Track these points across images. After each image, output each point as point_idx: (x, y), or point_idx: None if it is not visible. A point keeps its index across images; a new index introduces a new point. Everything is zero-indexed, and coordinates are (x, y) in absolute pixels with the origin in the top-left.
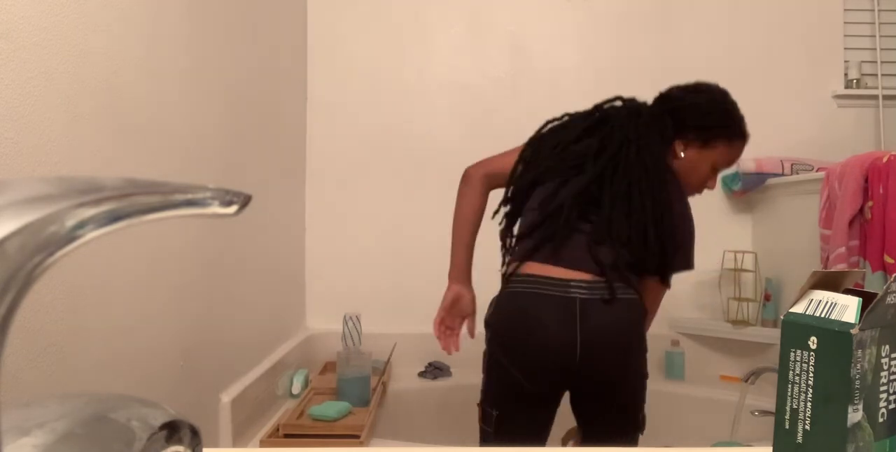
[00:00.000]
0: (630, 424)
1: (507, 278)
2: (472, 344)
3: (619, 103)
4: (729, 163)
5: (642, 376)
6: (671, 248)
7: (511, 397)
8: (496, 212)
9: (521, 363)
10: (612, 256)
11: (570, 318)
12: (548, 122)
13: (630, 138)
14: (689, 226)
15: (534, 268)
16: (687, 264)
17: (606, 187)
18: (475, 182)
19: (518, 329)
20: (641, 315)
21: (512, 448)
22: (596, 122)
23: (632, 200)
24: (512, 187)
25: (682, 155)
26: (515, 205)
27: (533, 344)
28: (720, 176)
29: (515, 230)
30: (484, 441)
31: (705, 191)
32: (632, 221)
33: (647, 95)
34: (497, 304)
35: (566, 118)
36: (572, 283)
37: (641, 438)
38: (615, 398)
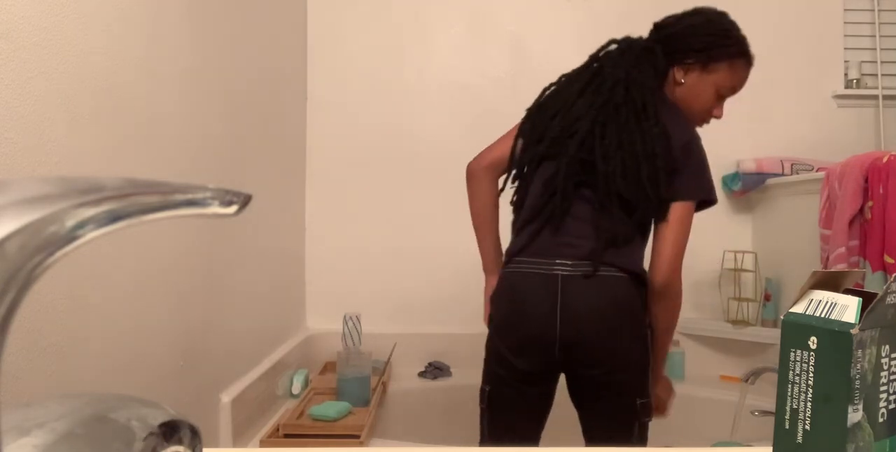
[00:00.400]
0: (626, 411)
1: (508, 258)
2: (471, 345)
3: (613, 47)
4: (733, 88)
5: (637, 358)
6: (668, 175)
7: (500, 373)
8: (502, 189)
9: (507, 338)
10: (609, 229)
11: (551, 295)
12: (545, 89)
13: (620, 79)
14: (697, 155)
15: (529, 250)
16: (702, 190)
17: (598, 146)
18: (480, 175)
19: (504, 306)
20: (632, 292)
21: (511, 448)
22: (592, 76)
23: (624, 146)
24: (515, 167)
25: (683, 81)
26: (523, 181)
27: (516, 321)
28: (720, 175)
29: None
30: (481, 419)
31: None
32: (627, 167)
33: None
34: (496, 284)
35: (563, 80)
36: (557, 261)
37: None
38: (606, 380)
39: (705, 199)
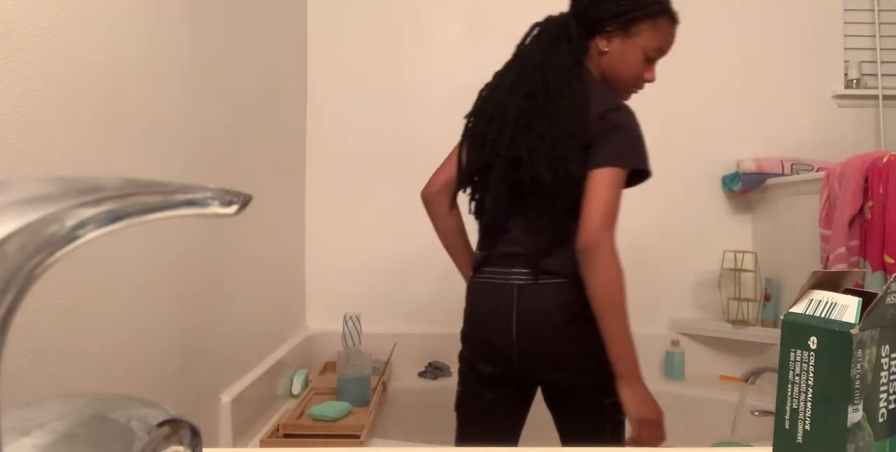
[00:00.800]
0: (595, 412)
1: (472, 268)
2: None
3: (536, 31)
4: (660, 49)
5: (594, 360)
6: (583, 150)
7: (467, 375)
8: (453, 196)
9: (469, 343)
10: (543, 232)
11: (506, 304)
12: (481, 91)
13: (537, 64)
14: (617, 122)
15: (487, 261)
16: (620, 156)
17: (523, 139)
18: (434, 201)
19: (467, 315)
20: (576, 294)
21: (512, 448)
22: (519, 67)
23: (544, 134)
24: (465, 177)
25: (607, 49)
26: (477, 190)
27: (476, 329)
28: (720, 175)
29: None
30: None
31: (705, 195)
32: (549, 153)
33: (646, 96)
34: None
35: (495, 77)
36: (514, 270)
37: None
38: (567, 385)
39: (629, 167)
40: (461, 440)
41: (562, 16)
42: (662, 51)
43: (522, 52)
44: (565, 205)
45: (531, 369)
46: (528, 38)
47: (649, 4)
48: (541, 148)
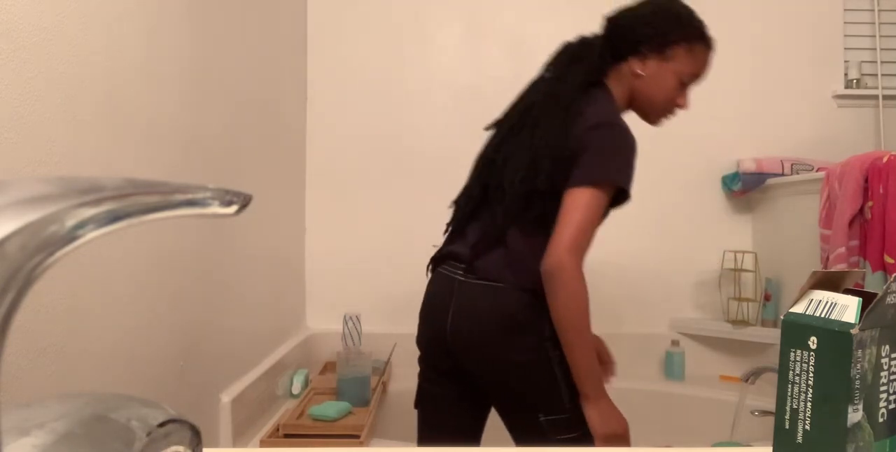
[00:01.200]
0: (532, 430)
1: (433, 261)
2: None
3: (561, 49)
4: (695, 74)
5: (527, 370)
6: (561, 162)
7: (421, 368)
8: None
9: (418, 330)
10: (491, 233)
11: (447, 298)
12: (510, 104)
13: (547, 79)
14: (602, 137)
15: (443, 253)
16: (600, 173)
17: (506, 144)
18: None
19: (422, 305)
20: (514, 298)
21: (511, 448)
22: (532, 84)
23: (525, 143)
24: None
25: (642, 72)
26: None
27: (421, 320)
28: (720, 175)
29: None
30: None
31: (705, 195)
32: (522, 161)
33: None
34: None
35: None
36: (460, 265)
37: (640, 438)
38: (497, 392)
39: (610, 187)
40: (419, 438)
41: (591, 36)
42: (697, 77)
43: (541, 68)
44: (528, 215)
45: (464, 364)
46: (553, 57)
47: (687, 28)
48: (517, 156)
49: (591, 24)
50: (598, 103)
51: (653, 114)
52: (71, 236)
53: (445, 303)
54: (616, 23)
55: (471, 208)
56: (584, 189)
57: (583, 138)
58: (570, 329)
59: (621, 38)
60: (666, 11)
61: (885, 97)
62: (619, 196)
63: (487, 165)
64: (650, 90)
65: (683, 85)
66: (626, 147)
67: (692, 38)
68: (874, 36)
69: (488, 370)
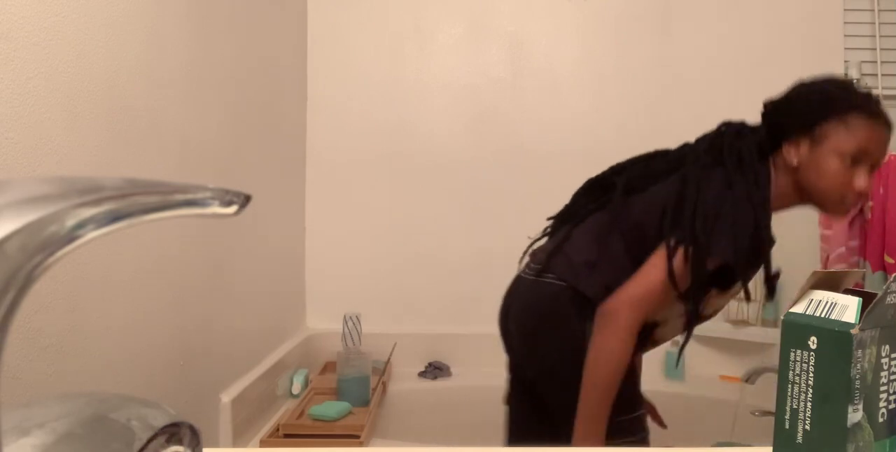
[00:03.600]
0: (551, 425)
1: None
2: (471, 345)
3: (711, 136)
4: (862, 149)
5: (559, 371)
6: (632, 190)
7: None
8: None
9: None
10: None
11: (509, 293)
12: None
13: (692, 180)
14: (710, 205)
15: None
16: (688, 239)
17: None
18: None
19: None
20: (562, 300)
21: (516, 448)
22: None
23: (639, 169)
24: None
25: (797, 161)
26: None
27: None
28: None
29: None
30: None
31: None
32: (633, 182)
33: (646, 96)
34: None
35: None
36: (531, 264)
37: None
38: (537, 391)
39: (698, 254)
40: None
41: (751, 125)
42: (866, 151)
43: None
44: (619, 227)
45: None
46: (703, 145)
47: (836, 101)
48: (633, 169)
49: (592, 24)
50: (757, 184)
51: (829, 206)
52: (71, 236)
53: (507, 298)
54: (767, 109)
55: (569, 215)
56: (662, 251)
57: (694, 194)
58: (593, 379)
59: (774, 125)
60: (812, 87)
61: (885, 97)
62: (724, 273)
63: (601, 182)
64: (812, 179)
65: (855, 162)
66: (727, 219)
67: (842, 109)
68: (874, 36)
69: (527, 362)
